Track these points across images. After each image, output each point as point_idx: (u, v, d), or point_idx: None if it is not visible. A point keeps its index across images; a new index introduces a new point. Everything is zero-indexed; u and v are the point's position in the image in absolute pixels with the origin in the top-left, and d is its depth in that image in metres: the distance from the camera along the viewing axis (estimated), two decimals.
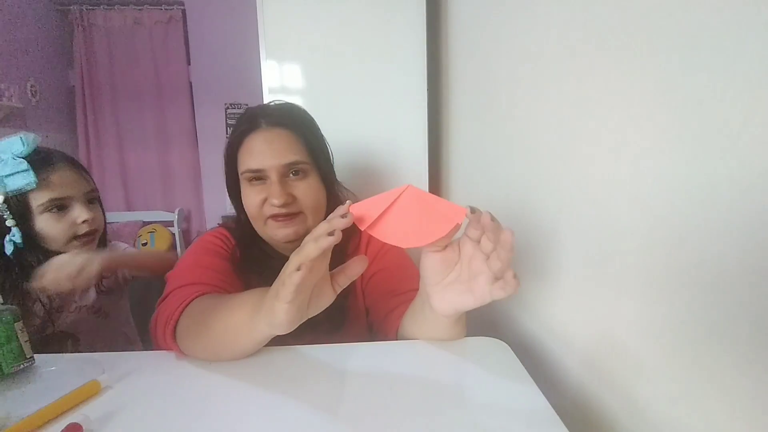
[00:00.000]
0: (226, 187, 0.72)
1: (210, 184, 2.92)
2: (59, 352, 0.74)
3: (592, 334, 0.50)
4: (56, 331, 0.78)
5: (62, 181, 0.74)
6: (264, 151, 0.64)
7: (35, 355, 0.52)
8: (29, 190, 0.71)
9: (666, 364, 0.39)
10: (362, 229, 0.43)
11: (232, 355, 0.51)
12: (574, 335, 0.54)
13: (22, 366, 0.49)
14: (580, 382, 0.52)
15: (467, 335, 0.58)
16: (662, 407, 0.39)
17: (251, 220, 0.68)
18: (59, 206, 0.73)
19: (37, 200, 0.72)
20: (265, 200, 0.65)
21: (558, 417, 0.42)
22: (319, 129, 0.72)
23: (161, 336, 0.54)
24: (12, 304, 0.63)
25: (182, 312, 0.53)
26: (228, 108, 2.81)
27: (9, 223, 0.71)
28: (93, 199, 0.79)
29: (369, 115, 1.08)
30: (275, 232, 0.66)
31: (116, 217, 2.75)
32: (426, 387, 0.47)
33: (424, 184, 1.12)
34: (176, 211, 2.81)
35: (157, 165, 2.86)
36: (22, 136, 0.71)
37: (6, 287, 0.73)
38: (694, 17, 0.33)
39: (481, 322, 0.89)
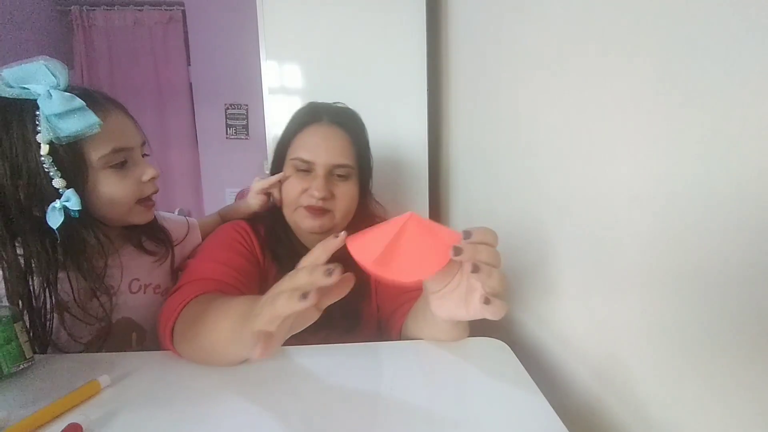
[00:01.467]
0: (270, 168, 0.74)
1: (210, 184, 2.92)
2: (120, 347, 0.62)
3: (593, 335, 0.50)
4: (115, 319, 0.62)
5: (121, 127, 0.57)
6: (319, 146, 0.67)
7: (35, 355, 0.52)
8: (89, 136, 0.51)
9: (667, 364, 0.39)
10: (365, 268, 0.40)
11: (221, 363, 0.50)
12: (574, 335, 0.54)
13: (21, 366, 0.49)
14: (581, 383, 0.52)
15: (468, 335, 0.58)
16: (663, 408, 0.39)
17: (283, 205, 0.71)
18: (121, 162, 0.56)
19: (99, 151, 0.53)
20: (305, 190, 0.67)
21: (558, 417, 0.42)
22: (368, 139, 0.75)
23: (161, 335, 0.53)
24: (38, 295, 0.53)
25: (180, 312, 0.52)
26: (228, 108, 2.80)
27: (58, 183, 0.51)
28: (144, 155, 0.63)
29: (369, 115, 1.07)
30: (303, 221, 0.68)
31: None
32: (426, 387, 0.47)
33: (424, 184, 1.12)
34: (176, 211, 2.80)
35: (156, 165, 2.85)
36: (44, 62, 0.51)
37: (36, 273, 0.53)
38: (695, 17, 0.33)
39: (481, 323, 0.88)
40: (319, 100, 0.75)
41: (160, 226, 0.70)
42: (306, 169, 0.67)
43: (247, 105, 2.79)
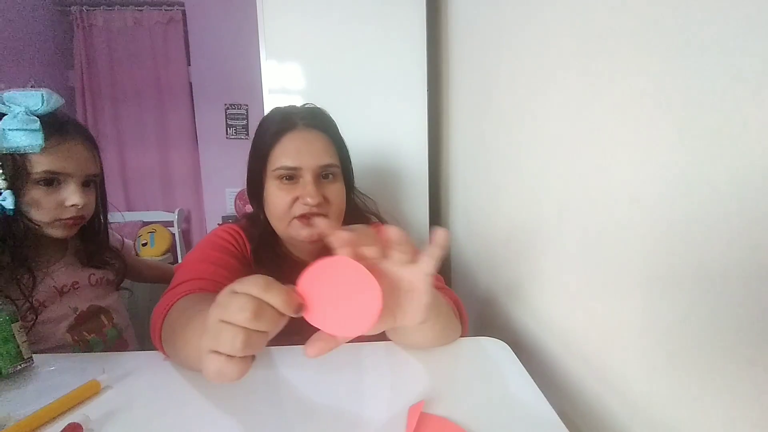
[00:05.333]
0: (246, 185, 0.71)
1: (210, 185, 2.92)
2: (97, 329, 0.73)
3: (592, 334, 0.50)
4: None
5: (68, 155, 0.66)
6: (302, 151, 0.65)
7: (33, 356, 0.52)
8: (29, 153, 0.62)
9: (666, 363, 0.39)
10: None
11: (196, 369, 0.44)
12: (574, 335, 0.54)
13: (20, 367, 0.49)
14: (580, 382, 0.52)
15: (468, 335, 0.58)
16: (662, 407, 0.39)
17: (274, 220, 0.68)
18: (49, 180, 0.65)
19: (34, 168, 0.63)
20: (295, 200, 0.64)
21: (558, 417, 0.42)
22: (342, 135, 0.73)
23: (152, 336, 0.53)
24: None
25: (167, 314, 0.51)
26: (228, 108, 2.81)
27: (0, 185, 0.62)
28: (89, 182, 0.71)
29: (369, 116, 1.08)
30: (299, 232, 0.65)
31: (116, 217, 2.73)
32: (426, 387, 0.47)
33: (424, 184, 1.13)
34: (176, 212, 2.80)
35: (157, 165, 2.86)
36: (44, 92, 0.64)
37: None
38: (694, 17, 0.33)
39: (481, 323, 0.89)
40: (318, 101, 0.75)
41: (112, 248, 0.82)
42: (291, 176, 0.65)
43: (247, 105, 2.79)
